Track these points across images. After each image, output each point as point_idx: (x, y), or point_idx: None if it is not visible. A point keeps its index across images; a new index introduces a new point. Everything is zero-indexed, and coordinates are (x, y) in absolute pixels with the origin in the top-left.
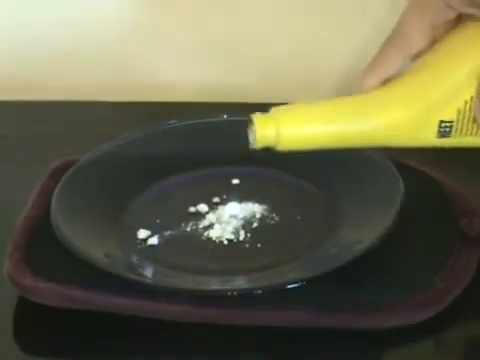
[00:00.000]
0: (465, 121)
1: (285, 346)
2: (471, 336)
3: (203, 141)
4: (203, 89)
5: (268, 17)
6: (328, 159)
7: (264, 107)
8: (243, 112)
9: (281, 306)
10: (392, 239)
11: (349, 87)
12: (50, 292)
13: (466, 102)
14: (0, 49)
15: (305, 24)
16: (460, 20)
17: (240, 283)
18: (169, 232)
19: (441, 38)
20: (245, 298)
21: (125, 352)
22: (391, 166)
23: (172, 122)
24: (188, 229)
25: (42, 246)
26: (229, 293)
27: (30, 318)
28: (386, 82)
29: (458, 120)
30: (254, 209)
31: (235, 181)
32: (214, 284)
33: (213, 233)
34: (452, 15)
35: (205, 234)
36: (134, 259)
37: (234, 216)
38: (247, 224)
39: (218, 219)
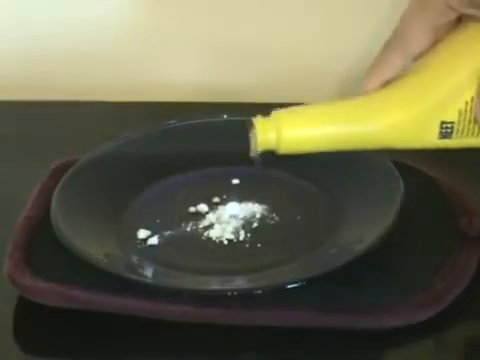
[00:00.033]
0: (466, 122)
1: (285, 346)
2: (471, 336)
3: (203, 141)
4: (203, 89)
5: (268, 17)
6: (328, 159)
7: (264, 107)
8: (243, 112)
9: (281, 306)
10: (392, 239)
11: (350, 87)
12: (50, 292)
13: (467, 103)
14: (0, 49)
15: (305, 24)
16: (461, 21)
17: (240, 283)
18: (169, 232)
19: (442, 39)
20: (245, 298)
21: (125, 352)
22: (391, 166)
23: (172, 122)
24: (188, 229)
25: (42, 246)
26: (229, 293)
27: (30, 318)
28: (387, 84)
29: (459, 121)
30: (254, 209)
31: (235, 181)
32: (214, 284)
33: (213, 233)
34: (453, 16)
35: (205, 234)
36: (134, 259)
37: (234, 216)
38: (247, 224)
39: (218, 219)
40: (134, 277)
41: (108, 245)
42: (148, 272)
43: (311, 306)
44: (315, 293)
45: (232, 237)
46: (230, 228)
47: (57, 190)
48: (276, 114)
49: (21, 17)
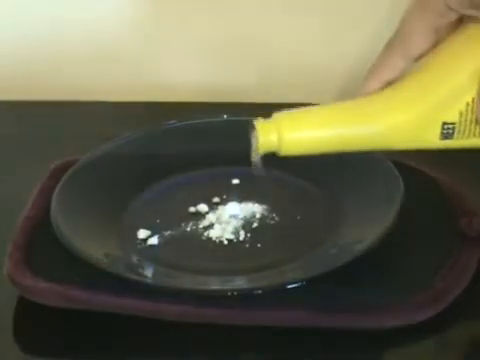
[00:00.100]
0: (467, 123)
1: (285, 346)
2: (471, 336)
3: (203, 141)
4: (203, 89)
5: (268, 17)
6: (328, 159)
7: (264, 107)
8: (243, 112)
9: (281, 306)
10: (392, 239)
11: (350, 87)
12: (50, 292)
13: (468, 104)
14: (0, 49)
15: (305, 24)
16: (462, 22)
17: (240, 283)
18: (169, 232)
19: (443, 40)
20: (245, 298)
21: (125, 352)
22: (391, 166)
23: (172, 122)
24: (188, 229)
25: (42, 246)
26: (229, 293)
27: (30, 318)
28: (388, 85)
29: (460, 122)
30: (254, 209)
31: (235, 181)
32: (214, 284)
33: (213, 233)
34: (453, 17)
35: (205, 234)
36: (134, 259)
37: (234, 216)
38: (247, 224)
39: (218, 219)
40: (134, 277)
41: (108, 245)
42: (148, 272)
43: (311, 306)
44: (315, 293)
45: (232, 237)
46: (230, 228)
47: (57, 190)
48: (277, 116)
49: (21, 17)
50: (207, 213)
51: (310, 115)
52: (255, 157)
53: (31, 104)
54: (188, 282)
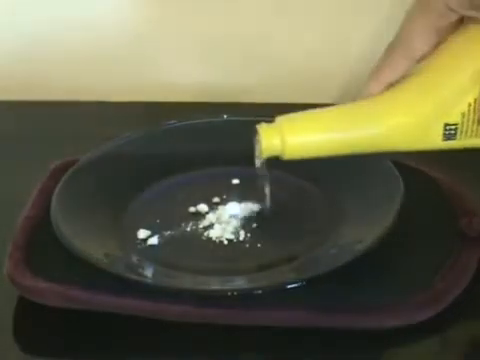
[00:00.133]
0: (470, 123)
1: (285, 346)
2: (471, 336)
3: (203, 141)
4: (203, 89)
5: (268, 17)
6: (328, 159)
7: (264, 107)
8: (243, 112)
9: (281, 306)
10: (392, 239)
11: (350, 87)
12: (50, 292)
13: (470, 104)
14: (0, 49)
15: (305, 24)
16: (462, 22)
17: (240, 283)
18: (169, 232)
19: (444, 41)
20: (245, 298)
21: (125, 352)
22: (391, 166)
23: (172, 122)
24: (188, 229)
25: (42, 246)
26: (229, 293)
27: (30, 318)
28: (390, 87)
29: (463, 122)
30: (254, 209)
31: (235, 181)
32: (214, 284)
33: (213, 233)
34: (454, 18)
35: (205, 234)
36: (134, 259)
37: (234, 216)
38: (247, 224)
39: (218, 219)
40: (134, 277)
41: (108, 245)
42: (148, 272)
43: (311, 306)
44: (315, 293)
45: (232, 237)
46: (230, 228)
47: (57, 190)
48: (280, 120)
49: (21, 17)
50: (207, 213)
51: (313, 118)
52: (259, 161)
53: (31, 104)
54: (188, 282)
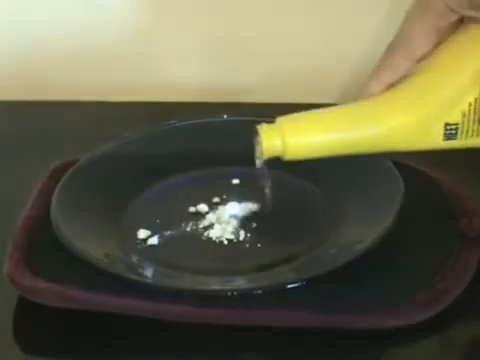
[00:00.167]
0: (470, 123)
1: (285, 346)
2: (471, 336)
3: (203, 141)
4: (203, 89)
5: (268, 17)
6: (328, 159)
7: (264, 107)
8: (243, 112)
9: (281, 306)
10: (392, 239)
11: (350, 87)
12: (50, 292)
13: (470, 104)
14: (0, 49)
15: (305, 24)
16: (462, 22)
17: (240, 283)
18: (169, 232)
19: (444, 40)
20: (245, 298)
21: (125, 352)
22: (391, 166)
23: (172, 122)
24: (188, 229)
25: (42, 246)
26: (229, 293)
27: (30, 318)
28: (390, 87)
29: (463, 122)
30: (254, 209)
31: (235, 181)
32: (214, 284)
33: (213, 233)
34: (454, 18)
35: (205, 234)
36: (134, 259)
37: (234, 216)
38: (247, 224)
39: (218, 219)
40: (134, 277)
41: (108, 245)
42: (148, 272)
43: (311, 306)
44: (315, 293)
45: (232, 237)
46: (230, 228)
47: (57, 190)
48: (281, 121)
49: (21, 17)
50: (207, 213)
51: (313, 119)
52: (259, 162)
53: (31, 104)
54: (188, 282)
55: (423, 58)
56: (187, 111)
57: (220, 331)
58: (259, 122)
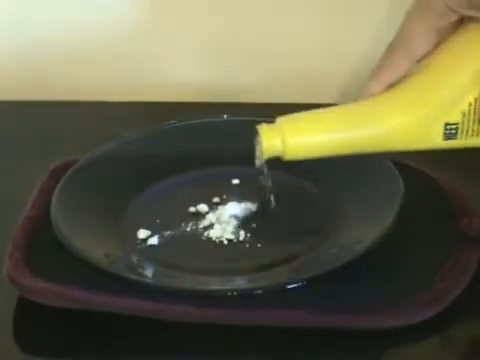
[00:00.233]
0: (470, 123)
1: (285, 346)
2: (471, 336)
3: (203, 141)
4: (203, 89)
5: (268, 17)
6: (328, 159)
7: (264, 107)
8: (243, 112)
9: (281, 306)
10: (392, 239)
11: (350, 87)
12: (50, 292)
13: (470, 104)
14: (0, 49)
15: (305, 24)
16: (462, 22)
17: (240, 283)
18: (169, 232)
19: (445, 40)
20: (245, 298)
21: (125, 352)
22: (391, 166)
23: (172, 122)
24: (188, 229)
25: (42, 246)
26: (229, 293)
27: (30, 318)
28: (390, 87)
29: (463, 122)
30: (254, 209)
31: (235, 181)
32: (214, 284)
33: (213, 233)
34: (453, 18)
35: (205, 234)
36: (134, 259)
37: (234, 216)
38: (247, 224)
39: (218, 219)
40: (134, 277)
41: (108, 245)
42: (148, 272)
43: (311, 306)
44: (315, 293)
45: (232, 237)
46: (230, 228)
47: (57, 190)
48: (281, 121)
49: (21, 17)
50: (207, 213)
51: (313, 119)
52: (259, 162)
53: (31, 104)
54: (188, 282)
55: (423, 58)
56: (187, 111)
57: (220, 331)
58: (259, 122)
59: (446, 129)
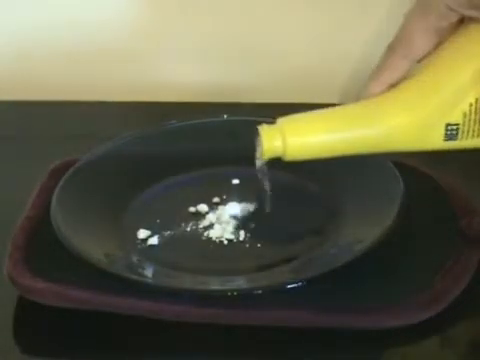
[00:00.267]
0: (471, 123)
1: (285, 346)
2: (471, 336)
3: (203, 141)
4: (203, 89)
5: (268, 17)
6: (328, 159)
7: (264, 107)
8: (243, 112)
9: (281, 306)
10: (392, 239)
11: (350, 87)
12: (50, 292)
13: (471, 104)
14: (0, 49)
15: (306, 24)
16: (463, 22)
17: (240, 283)
18: (169, 232)
19: (445, 41)
20: (245, 298)
21: (125, 352)
22: (391, 166)
23: (172, 122)
24: (188, 229)
25: (42, 246)
26: (229, 293)
27: (30, 318)
28: (391, 87)
29: (464, 122)
30: (254, 209)
31: (235, 181)
32: (214, 284)
33: (213, 233)
34: (454, 18)
35: (205, 234)
36: (134, 259)
37: (234, 216)
38: (247, 224)
39: (218, 219)
40: (134, 277)
41: (108, 245)
42: (148, 272)
43: (311, 306)
44: (315, 293)
45: (232, 237)
46: (230, 228)
47: (57, 190)
48: (281, 121)
49: (21, 17)
50: (207, 213)
51: (314, 119)
52: (259, 162)
53: (31, 104)
54: (188, 282)
55: (423, 58)
56: (187, 111)
57: (220, 331)
58: (259, 122)
59: (447, 130)
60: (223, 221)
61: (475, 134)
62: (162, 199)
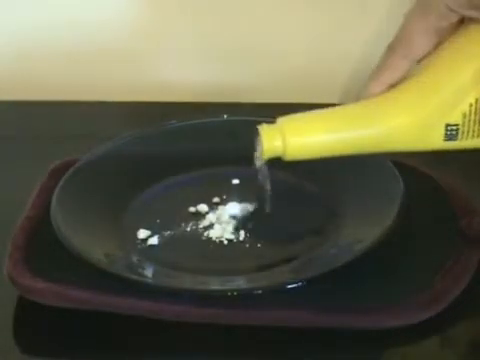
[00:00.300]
0: (471, 124)
1: (285, 346)
2: (471, 336)
3: (203, 141)
4: (203, 89)
5: (268, 17)
6: (328, 159)
7: (264, 107)
8: (243, 112)
9: (281, 306)
10: (392, 239)
11: (350, 87)
12: (50, 292)
13: (471, 105)
14: (0, 49)
15: (306, 24)
16: (463, 23)
17: (240, 283)
18: (169, 232)
19: (445, 41)
20: (245, 298)
21: (125, 352)
22: (391, 166)
23: (172, 122)
24: (188, 229)
25: (42, 246)
26: (229, 293)
27: (30, 318)
28: (391, 87)
29: (464, 123)
30: (254, 209)
31: (235, 181)
32: (214, 284)
33: (213, 233)
34: (454, 18)
35: (205, 234)
36: (134, 259)
37: (234, 216)
38: (247, 224)
39: (218, 219)
40: (134, 277)
41: (108, 245)
42: (148, 272)
43: (311, 306)
44: (315, 293)
45: (232, 237)
46: (230, 228)
47: (57, 190)
48: (281, 121)
49: (21, 17)
50: (207, 213)
51: (314, 119)
52: (259, 162)
53: (31, 104)
54: (188, 282)
55: (423, 58)
56: (187, 111)
57: (220, 331)
58: (259, 122)
59: (447, 130)
60: (223, 221)
61: (475, 134)
62: (162, 199)
